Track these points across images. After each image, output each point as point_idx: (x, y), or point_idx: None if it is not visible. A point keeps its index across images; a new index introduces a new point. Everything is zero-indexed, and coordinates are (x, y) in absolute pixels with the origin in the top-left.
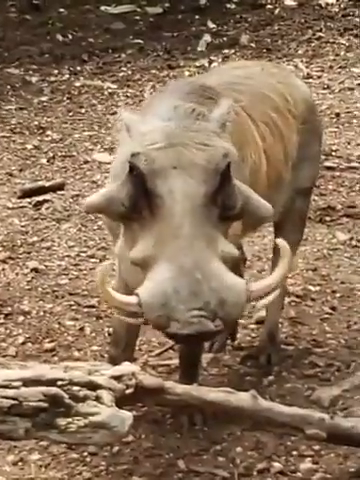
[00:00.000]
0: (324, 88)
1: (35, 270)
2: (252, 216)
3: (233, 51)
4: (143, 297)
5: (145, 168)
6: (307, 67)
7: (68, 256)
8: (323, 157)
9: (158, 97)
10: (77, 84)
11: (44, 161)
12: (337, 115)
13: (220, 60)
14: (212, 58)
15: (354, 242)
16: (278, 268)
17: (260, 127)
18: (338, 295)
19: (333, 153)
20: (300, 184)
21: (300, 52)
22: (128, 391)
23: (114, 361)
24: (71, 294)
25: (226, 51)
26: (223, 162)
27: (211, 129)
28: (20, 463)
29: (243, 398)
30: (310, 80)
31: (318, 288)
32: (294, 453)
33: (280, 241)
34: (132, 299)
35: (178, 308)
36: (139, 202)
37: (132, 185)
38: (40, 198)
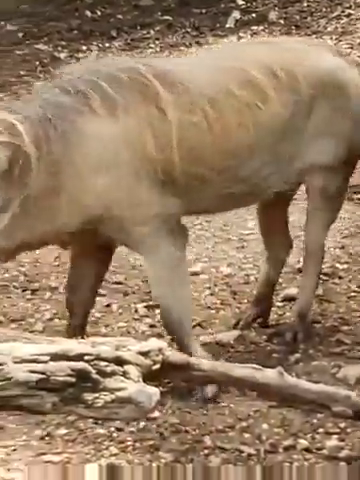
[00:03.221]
0: None
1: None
2: None
3: (262, 28)
4: None
5: None
6: (336, 44)
7: None
8: None
9: None
10: None
11: None
12: None
13: (249, 36)
14: (241, 35)
15: None
16: None
17: (215, 97)
18: None
19: None
20: (315, 160)
21: (329, 29)
22: (155, 367)
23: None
24: None
25: (255, 28)
26: None
27: None
28: (47, 438)
29: (269, 375)
30: None
31: (345, 266)
32: (320, 430)
33: None
34: None
35: None
36: None
37: None
38: None
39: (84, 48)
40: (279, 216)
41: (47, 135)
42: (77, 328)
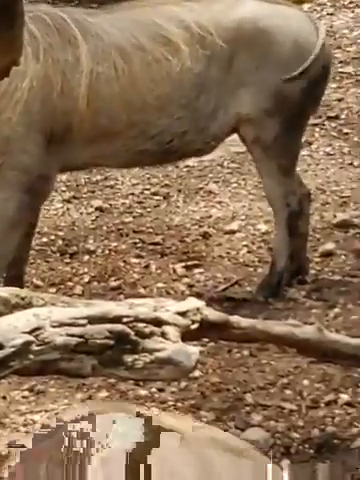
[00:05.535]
0: None
1: (99, 209)
2: None
3: None
4: None
5: None
6: None
7: (132, 194)
8: None
9: None
10: None
11: None
12: None
13: None
14: None
15: None
16: None
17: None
18: None
19: None
20: (239, 111)
21: None
22: (193, 326)
23: None
24: (135, 232)
25: None
26: None
27: None
28: (89, 401)
29: (309, 331)
30: None
31: None
32: None
33: None
34: None
35: None
36: None
37: None
38: None
39: None
40: None
41: None
42: (13, 279)
